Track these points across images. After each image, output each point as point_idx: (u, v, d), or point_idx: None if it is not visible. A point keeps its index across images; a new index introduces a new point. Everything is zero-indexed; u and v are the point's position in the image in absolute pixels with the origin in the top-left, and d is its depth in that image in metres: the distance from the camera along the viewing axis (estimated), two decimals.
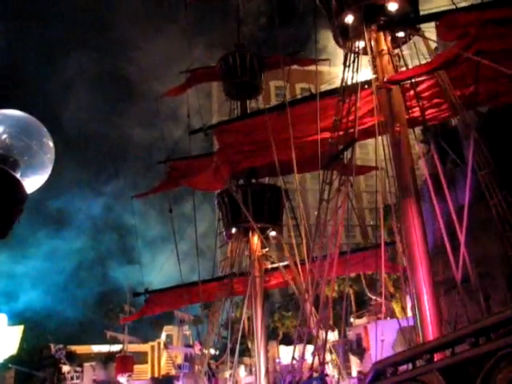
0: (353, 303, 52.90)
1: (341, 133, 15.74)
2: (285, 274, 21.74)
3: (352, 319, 52.55)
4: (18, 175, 5.67)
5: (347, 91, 15.96)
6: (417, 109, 16.19)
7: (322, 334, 14.14)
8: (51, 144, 6.11)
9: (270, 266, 24.58)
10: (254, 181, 24.88)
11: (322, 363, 12.30)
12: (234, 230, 24.81)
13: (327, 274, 13.99)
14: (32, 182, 5.95)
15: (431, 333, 13.08)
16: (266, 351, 24.46)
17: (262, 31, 27.54)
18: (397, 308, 56.93)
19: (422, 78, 15.75)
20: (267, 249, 24.65)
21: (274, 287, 27.35)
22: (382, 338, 15.43)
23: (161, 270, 27.77)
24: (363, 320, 51.56)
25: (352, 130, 15.31)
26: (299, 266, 15.66)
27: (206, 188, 27.01)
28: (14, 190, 5.57)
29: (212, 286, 24.54)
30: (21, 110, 6.10)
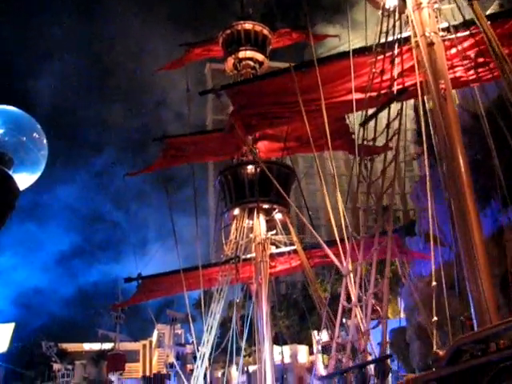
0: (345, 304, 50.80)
1: (374, 94, 13.23)
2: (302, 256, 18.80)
3: (344, 320, 49.93)
4: (10, 172, 5.46)
5: (382, 49, 13.44)
6: (459, 68, 13.63)
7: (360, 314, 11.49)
8: (44, 140, 5.94)
9: (275, 251, 21.89)
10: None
11: (383, 344, 9.61)
12: (237, 211, 22.01)
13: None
14: (25, 179, 5.73)
15: (490, 319, 10.43)
16: (272, 345, 21.69)
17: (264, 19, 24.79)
18: (389, 309, 54.84)
19: (466, 34, 13.31)
20: (274, 231, 22.01)
21: (279, 274, 24.64)
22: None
23: (153, 258, 25.10)
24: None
25: (389, 90, 12.80)
26: (340, 246, 12.91)
27: (213, 157, 24.32)
28: (6, 187, 5.36)
29: (213, 272, 21.75)
30: None
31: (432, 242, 10.60)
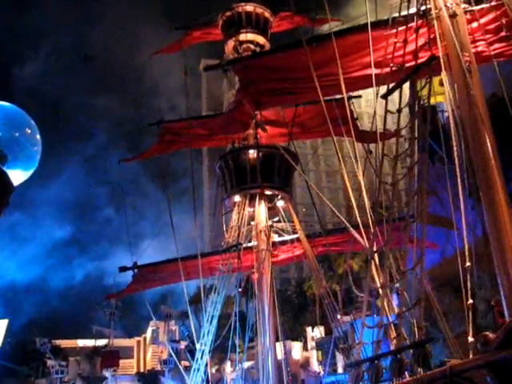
0: (340, 300, 49.88)
1: (393, 68, 12.24)
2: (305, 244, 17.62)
3: (339, 316, 49.20)
4: (4, 167, 5.31)
5: (401, 22, 12.46)
6: (481, 43, 12.64)
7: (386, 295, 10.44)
8: (38, 136, 5.86)
9: (277, 239, 20.71)
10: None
11: (420, 327, 8.47)
12: (237, 198, 20.78)
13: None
14: (19, 175, 5.65)
15: None
16: (275, 339, 20.54)
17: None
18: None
19: (489, 5, 12.35)
20: (277, 218, 20.83)
21: (282, 263, 23.53)
22: None
23: (147, 252, 23.87)
24: (350, 317, 48.25)
25: (409, 64, 11.80)
26: (362, 232, 12.01)
27: (212, 141, 23.03)
28: (0, 183, 5.20)
29: (212, 260, 20.48)
30: None
31: (465, 221, 9.50)
